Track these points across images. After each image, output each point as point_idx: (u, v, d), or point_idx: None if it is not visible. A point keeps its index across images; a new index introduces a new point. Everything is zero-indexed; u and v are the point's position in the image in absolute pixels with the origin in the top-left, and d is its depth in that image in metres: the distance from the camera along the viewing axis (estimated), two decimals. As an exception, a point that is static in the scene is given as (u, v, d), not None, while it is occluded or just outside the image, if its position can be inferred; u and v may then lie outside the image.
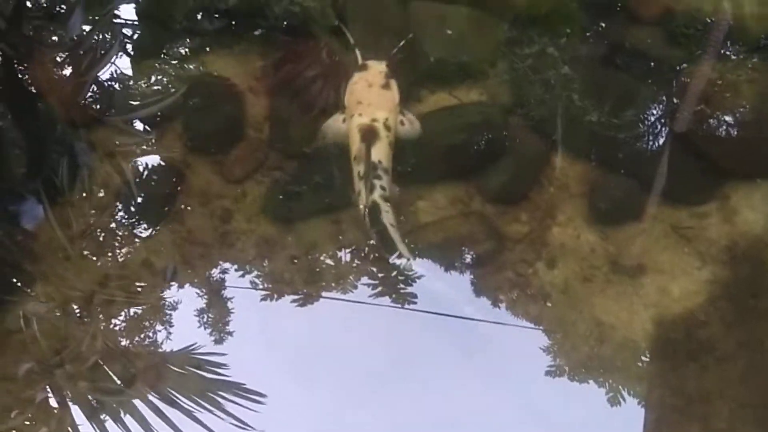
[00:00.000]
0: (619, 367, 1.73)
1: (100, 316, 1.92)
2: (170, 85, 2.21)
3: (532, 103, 2.07)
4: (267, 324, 1.95)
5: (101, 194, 2.13)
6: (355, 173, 1.92)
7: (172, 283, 1.97)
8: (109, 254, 2.02)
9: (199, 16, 2.28)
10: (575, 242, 1.93)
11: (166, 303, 1.96)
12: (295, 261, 1.99)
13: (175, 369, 1.87)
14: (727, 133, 1.85)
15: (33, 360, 1.80)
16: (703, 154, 1.91)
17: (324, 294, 1.95)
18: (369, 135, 1.93)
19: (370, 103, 1.98)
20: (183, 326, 1.93)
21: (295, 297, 1.94)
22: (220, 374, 1.85)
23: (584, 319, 1.82)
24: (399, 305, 1.91)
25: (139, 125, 2.20)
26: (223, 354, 1.87)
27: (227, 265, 2.01)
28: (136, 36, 2.35)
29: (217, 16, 2.26)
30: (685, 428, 1.60)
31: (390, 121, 1.96)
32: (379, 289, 1.94)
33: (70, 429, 1.75)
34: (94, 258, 2.01)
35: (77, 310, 1.91)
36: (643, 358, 1.73)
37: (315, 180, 2.06)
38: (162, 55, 2.29)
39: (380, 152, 1.92)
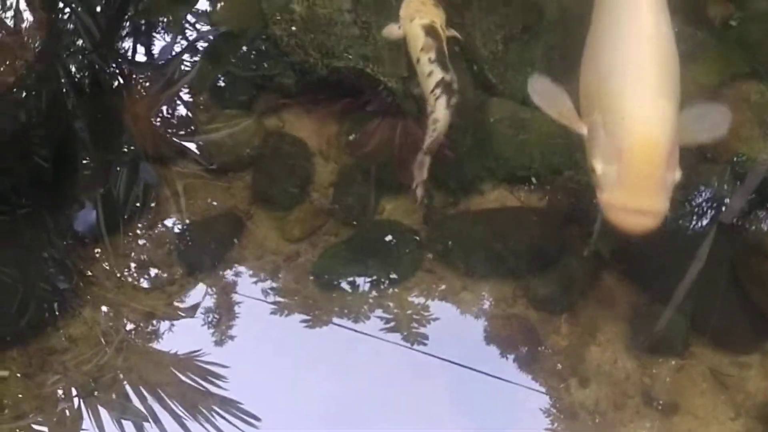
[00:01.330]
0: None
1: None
2: (245, 134, 2.32)
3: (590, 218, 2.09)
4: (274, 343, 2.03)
5: (162, 227, 2.23)
6: (424, 62, 1.98)
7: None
8: (159, 290, 2.10)
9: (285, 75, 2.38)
10: (611, 366, 1.94)
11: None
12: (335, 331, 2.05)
13: (178, 374, 1.93)
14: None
15: (68, 383, 1.89)
16: (754, 303, 1.91)
17: (335, 321, 2.02)
18: (431, 32, 2.03)
19: (427, 13, 2.10)
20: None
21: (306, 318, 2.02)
22: (219, 387, 1.91)
23: (606, 447, 1.82)
24: (408, 344, 1.98)
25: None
26: (226, 366, 1.94)
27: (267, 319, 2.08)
28: (220, 82, 2.45)
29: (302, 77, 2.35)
30: None
31: (444, 27, 2.09)
32: (392, 324, 2.01)
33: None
34: (145, 291, 2.10)
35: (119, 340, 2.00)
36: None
37: (366, 254, 2.13)
38: (241, 105, 2.39)
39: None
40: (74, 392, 1.91)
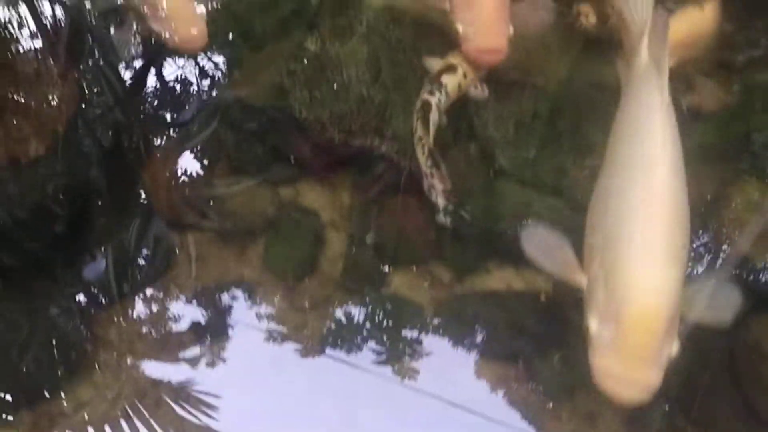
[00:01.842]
0: None
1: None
2: (260, 203, 2.39)
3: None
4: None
5: (174, 292, 2.28)
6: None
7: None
8: (169, 355, 2.14)
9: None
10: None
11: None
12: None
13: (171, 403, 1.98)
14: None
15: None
16: (749, 402, 1.95)
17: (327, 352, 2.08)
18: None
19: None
20: None
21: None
22: (211, 417, 1.96)
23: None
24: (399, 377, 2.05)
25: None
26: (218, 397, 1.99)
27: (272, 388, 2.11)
28: (238, 150, 2.52)
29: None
30: None
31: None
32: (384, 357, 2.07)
33: None
34: (155, 355, 2.14)
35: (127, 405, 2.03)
36: None
37: (371, 325, 2.18)
38: (257, 174, 2.46)
39: None
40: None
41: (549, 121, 2.40)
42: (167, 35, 2.32)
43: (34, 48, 2.26)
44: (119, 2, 2.66)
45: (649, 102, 1.72)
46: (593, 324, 1.49)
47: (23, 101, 2.03)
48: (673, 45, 1.78)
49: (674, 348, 1.47)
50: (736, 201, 2.17)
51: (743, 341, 1.98)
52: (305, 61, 2.53)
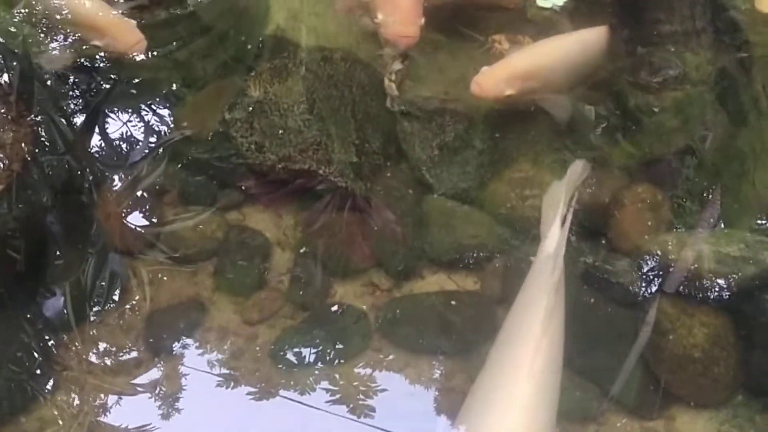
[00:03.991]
0: None
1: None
2: (209, 228, 2.57)
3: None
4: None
5: (129, 314, 2.41)
6: None
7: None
8: (126, 373, 2.26)
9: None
10: None
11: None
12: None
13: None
14: (679, 365, 2.16)
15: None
16: (657, 378, 2.20)
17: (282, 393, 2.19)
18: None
19: None
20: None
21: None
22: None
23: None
24: (355, 417, 2.16)
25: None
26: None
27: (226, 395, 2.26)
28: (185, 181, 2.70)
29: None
30: None
31: None
32: (338, 396, 2.19)
33: None
34: (112, 374, 2.26)
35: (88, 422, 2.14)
36: None
37: (319, 335, 2.36)
38: (205, 202, 2.64)
39: None
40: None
41: (467, 141, 2.69)
42: (111, 45, 2.80)
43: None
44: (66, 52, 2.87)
45: (542, 286, 2.05)
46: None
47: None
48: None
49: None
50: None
51: (646, 322, 2.24)
52: (245, 99, 2.75)
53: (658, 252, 2.29)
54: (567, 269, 2.11)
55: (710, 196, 2.51)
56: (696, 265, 2.22)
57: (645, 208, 2.44)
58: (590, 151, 2.65)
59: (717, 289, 2.19)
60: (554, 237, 2.20)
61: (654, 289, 2.26)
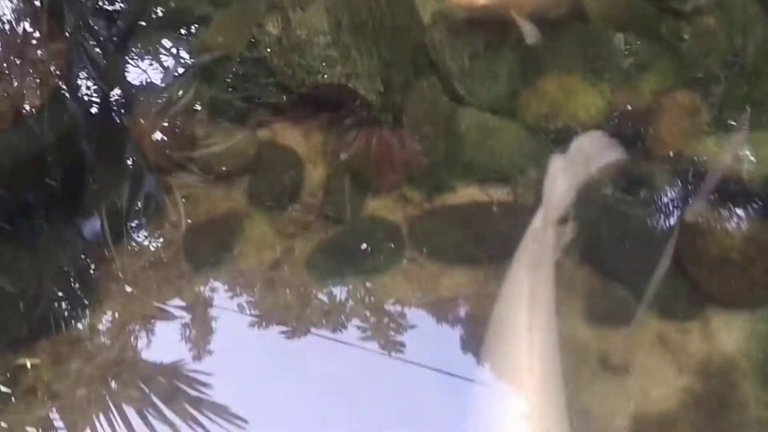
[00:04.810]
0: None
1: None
2: (241, 146, 2.59)
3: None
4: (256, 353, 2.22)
5: (166, 232, 2.47)
6: None
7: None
8: (168, 286, 2.34)
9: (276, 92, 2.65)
10: (571, 337, 2.21)
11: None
12: (326, 316, 2.29)
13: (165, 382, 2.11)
14: (715, 266, 2.15)
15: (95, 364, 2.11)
16: (693, 280, 2.20)
17: (313, 330, 2.23)
18: None
19: None
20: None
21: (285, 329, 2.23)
22: (205, 394, 2.10)
23: (572, 405, 2.07)
24: (386, 352, 2.19)
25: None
26: (209, 374, 2.13)
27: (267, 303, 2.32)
28: (216, 101, 2.71)
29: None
30: None
31: None
32: (369, 333, 2.22)
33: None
34: (155, 288, 2.33)
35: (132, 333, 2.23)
36: (617, 447, 1.99)
37: (353, 248, 2.39)
38: (236, 120, 2.65)
39: None
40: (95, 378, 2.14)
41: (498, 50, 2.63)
42: None
43: (18, 11, 2.41)
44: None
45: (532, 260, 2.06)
46: None
47: (18, 59, 2.20)
48: None
49: None
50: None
51: (682, 225, 2.22)
52: (273, 15, 2.72)
53: (695, 156, 2.25)
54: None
55: (749, 100, 2.44)
56: (734, 168, 2.18)
57: (683, 113, 2.38)
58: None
59: (755, 191, 2.16)
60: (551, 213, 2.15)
61: (691, 191, 2.24)
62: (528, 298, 1.97)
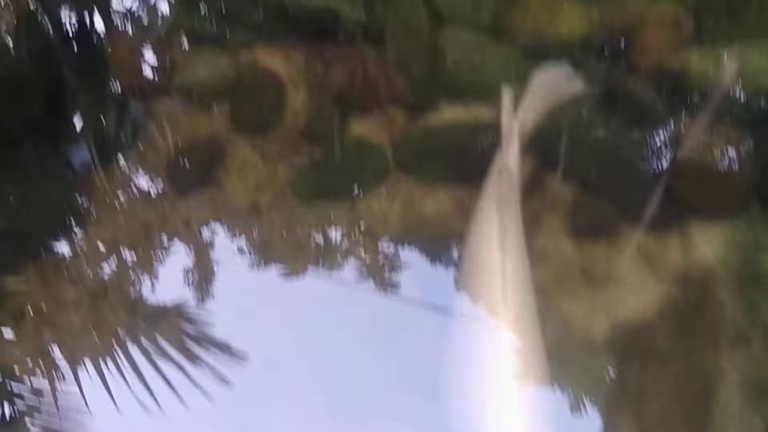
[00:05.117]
0: (575, 358, 2.04)
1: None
2: (221, 68, 2.55)
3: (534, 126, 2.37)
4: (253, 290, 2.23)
5: (149, 157, 2.46)
6: None
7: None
8: (153, 210, 2.34)
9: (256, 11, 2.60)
10: (554, 250, 2.24)
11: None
12: (311, 235, 2.31)
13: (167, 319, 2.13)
14: (695, 177, 2.17)
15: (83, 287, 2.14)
16: (672, 192, 2.22)
17: (310, 269, 2.24)
18: None
19: None
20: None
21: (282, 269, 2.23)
22: (206, 331, 2.11)
23: (553, 316, 2.12)
24: (383, 290, 2.20)
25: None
26: (197, 297, 2.15)
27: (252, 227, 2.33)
28: (196, 25, 2.65)
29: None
30: (620, 414, 1.92)
31: None
32: (365, 271, 2.24)
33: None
34: (141, 209, 2.34)
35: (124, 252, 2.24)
36: (597, 353, 2.04)
37: (337, 170, 2.39)
38: (217, 44, 2.61)
39: None
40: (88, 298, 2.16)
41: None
42: None
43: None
44: None
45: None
46: None
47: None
48: None
49: None
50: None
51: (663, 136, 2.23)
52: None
53: (680, 69, 2.24)
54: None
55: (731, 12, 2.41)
56: (719, 80, 2.17)
57: (666, 27, 2.36)
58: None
59: (738, 104, 2.16)
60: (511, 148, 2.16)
61: (674, 105, 2.24)
62: (499, 236, 2.00)
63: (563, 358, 2.04)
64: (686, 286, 2.11)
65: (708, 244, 2.16)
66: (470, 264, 2.07)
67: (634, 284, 2.16)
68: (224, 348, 2.06)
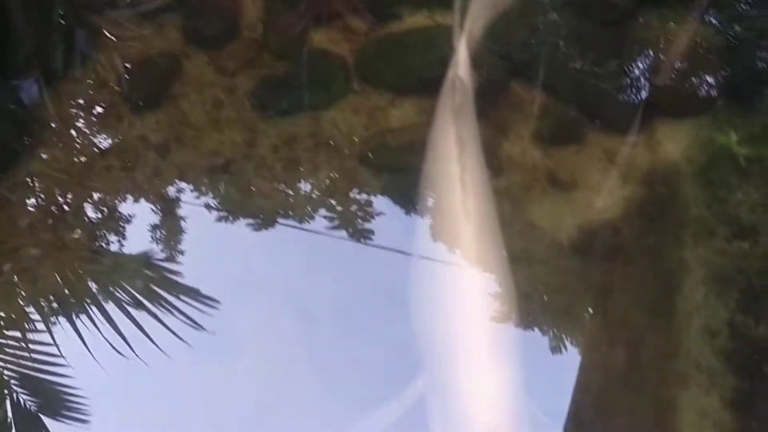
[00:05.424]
0: (543, 261, 2.05)
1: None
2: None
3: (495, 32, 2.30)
4: (222, 238, 2.16)
5: (98, 77, 2.35)
6: None
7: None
8: (108, 130, 2.25)
9: None
10: (521, 156, 2.22)
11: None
12: (275, 151, 2.25)
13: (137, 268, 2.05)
14: (657, 75, 2.14)
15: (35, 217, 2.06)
16: (636, 92, 2.20)
17: (281, 221, 2.17)
18: None
19: None
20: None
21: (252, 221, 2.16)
22: (176, 279, 2.03)
23: (520, 221, 2.12)
24: (356, 240, 2.14)
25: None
26: (179, 263, 2.07)
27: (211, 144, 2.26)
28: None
29: None
30: (587, 313, 1.96)
31: None
32: (338, 222, 2.18)
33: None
34: (96, 128, 2.25)
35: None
36: (564, 255, 2.06)
37: (298, 82, 2.31)
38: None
39: None
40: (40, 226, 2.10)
41: None
42: None
43: None
44: None
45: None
46: None
47: None
48: None
49: None
50: None
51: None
52: None
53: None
54: None
55: None
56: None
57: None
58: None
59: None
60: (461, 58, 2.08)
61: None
62: (456, 149, 1.95)
63: (531, 263, 2.05)
64: (652, 185, 2.12)
65: (674, 142, 2.15)
66: (430, 179, 2.02)
67: (601, 187, 2.17)
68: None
